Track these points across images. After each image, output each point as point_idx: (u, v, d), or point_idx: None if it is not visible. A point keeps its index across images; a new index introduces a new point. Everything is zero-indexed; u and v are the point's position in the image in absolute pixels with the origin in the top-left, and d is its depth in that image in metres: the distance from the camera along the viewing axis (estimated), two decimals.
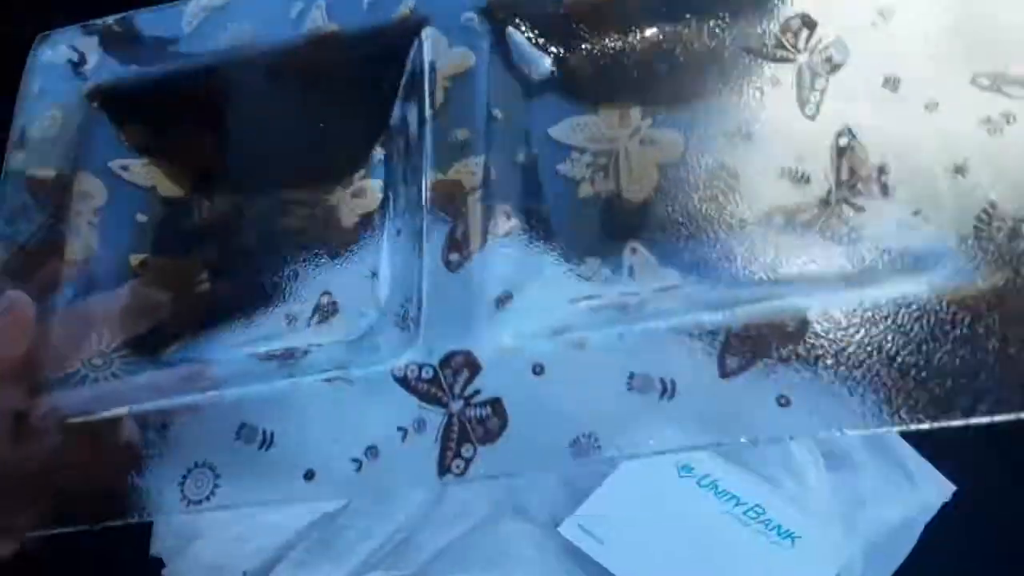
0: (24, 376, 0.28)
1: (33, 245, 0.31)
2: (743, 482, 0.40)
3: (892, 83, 0.26)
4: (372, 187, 0.30)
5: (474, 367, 0.24)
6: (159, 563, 0.40)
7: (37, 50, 0.34)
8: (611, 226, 0.27)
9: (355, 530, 0.38)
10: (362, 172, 0.31)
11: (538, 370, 0.23)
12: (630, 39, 0.29)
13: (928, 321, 0.21)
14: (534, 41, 0.30)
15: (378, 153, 0.31)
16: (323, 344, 0.27)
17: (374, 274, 0.28)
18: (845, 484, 0.40)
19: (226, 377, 0.27)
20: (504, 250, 0.26)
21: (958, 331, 0.21)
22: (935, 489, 0.39)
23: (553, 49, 0.30)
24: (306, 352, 0.27)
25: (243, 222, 0.31)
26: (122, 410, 0.27)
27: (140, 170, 0.33)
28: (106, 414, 0.27)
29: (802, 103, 0.27)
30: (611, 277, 0.25)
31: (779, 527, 0.39)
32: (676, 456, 0.39)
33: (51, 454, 0.27)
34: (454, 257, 0.26)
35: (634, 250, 0.26)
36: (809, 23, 0.28)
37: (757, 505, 0.40)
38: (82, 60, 0.33)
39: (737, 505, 0.40)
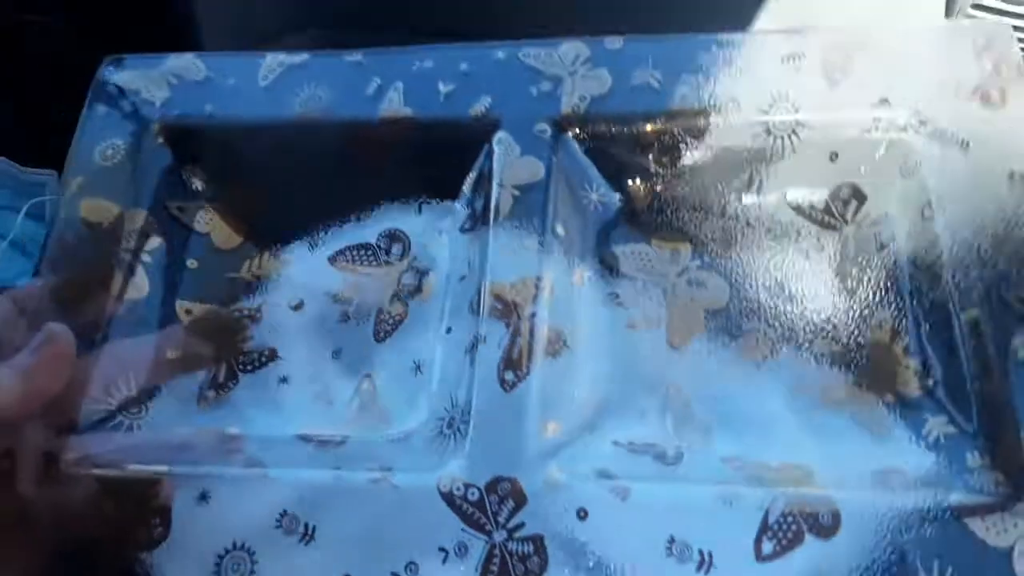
0: (60, 414, 0.25)
1: (82, 277, 0.27)
2: None
3: (932, 277, 0.24)
4: (427, 274, 0.28)
5: (520, 498, 0.22)
6: None
7: (104, 74, 0.30)
8: (654, 365, 0.25)
9: None
10: (417, 256, 0.28)
11: (582, 515, 0.21)
12: (690, 177, 0.27)
13: (951, 539, 0.20)
14: (600, 164, 0.27)
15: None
16: (364, 436, 0.25)
17: (418, 367, 0.26)
18: None
19: (263, 453, 0.24)
20: (558, 376, 0.24)
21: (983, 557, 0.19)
22: None
23: (618, 173, 0.27)
24: (343, 441, 0.24)
25: (290, 285, 0.28)
26: (162, 469, 0.24)
27: (197, 215, 0.29)
28: (142, 472, 0.24)
29: (843, 275, 0.25)
30: (651, 421, 0.24)
31: None
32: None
33: (79, 504, 0.24)
34: (509, 376, 0.23)
35: (674, 395, 0.24)
36: (859, 195, 0.27)
37: None
38: (151, 92, 0.29)
39: None
